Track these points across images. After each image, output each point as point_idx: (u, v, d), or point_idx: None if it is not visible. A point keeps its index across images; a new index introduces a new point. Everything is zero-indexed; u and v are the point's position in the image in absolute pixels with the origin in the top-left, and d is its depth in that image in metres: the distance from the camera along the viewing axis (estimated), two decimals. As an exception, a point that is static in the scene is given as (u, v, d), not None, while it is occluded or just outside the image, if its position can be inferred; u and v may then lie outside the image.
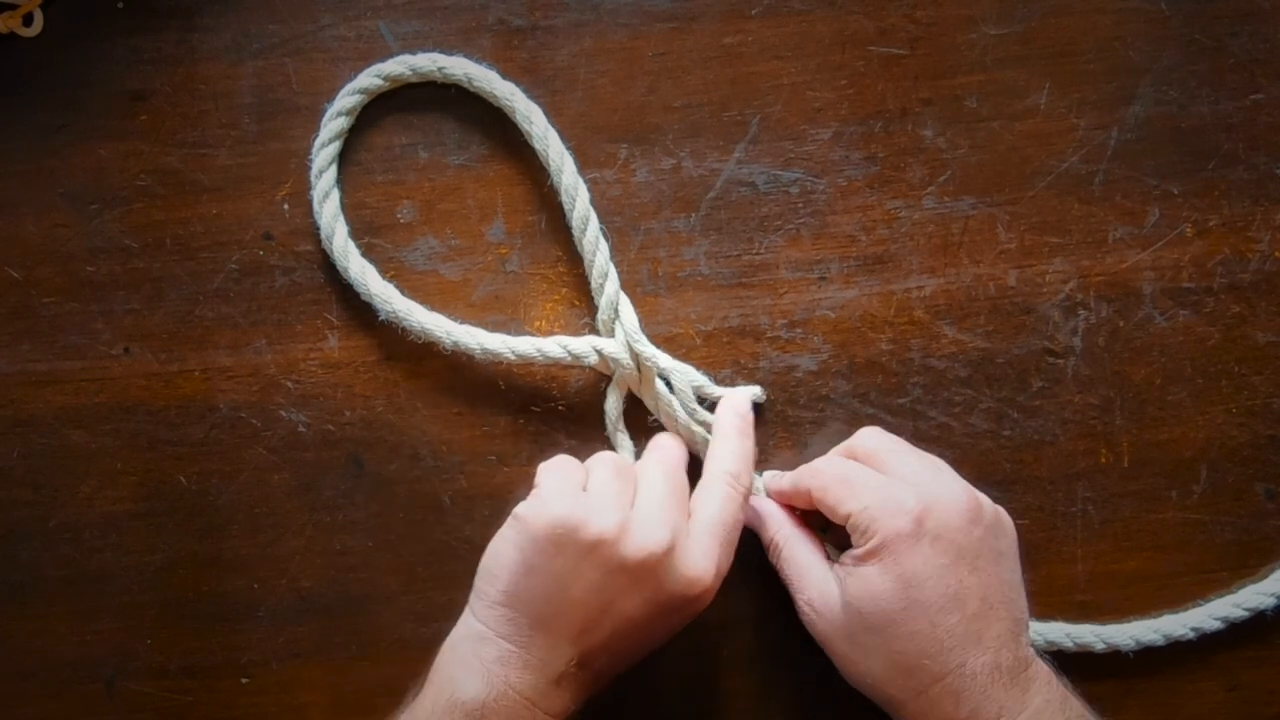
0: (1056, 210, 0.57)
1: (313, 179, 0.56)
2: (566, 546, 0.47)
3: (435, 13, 0.58)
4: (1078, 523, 0.56)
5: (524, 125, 0.56)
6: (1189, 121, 0.57)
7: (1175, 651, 0.55)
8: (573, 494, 0.49)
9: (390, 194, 0.57)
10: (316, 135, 0.56)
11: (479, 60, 0.57)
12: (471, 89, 0.56)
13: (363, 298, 0.56)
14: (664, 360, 0.55)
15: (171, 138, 0.57)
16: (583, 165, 0.57)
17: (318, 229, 0.56)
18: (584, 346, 0.54)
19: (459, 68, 0.56)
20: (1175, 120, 0.57)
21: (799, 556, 0.52)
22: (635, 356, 0.54)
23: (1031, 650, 0.49)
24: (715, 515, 0.50)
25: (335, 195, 0.56)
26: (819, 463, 0.53)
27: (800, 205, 0.57)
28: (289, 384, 0.57)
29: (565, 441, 0.57)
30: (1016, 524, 0.56)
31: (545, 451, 0.55)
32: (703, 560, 0.48)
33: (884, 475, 0.50)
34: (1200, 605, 0.56)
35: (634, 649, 0.50)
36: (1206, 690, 0.56)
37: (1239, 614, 0.55)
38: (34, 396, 0.57)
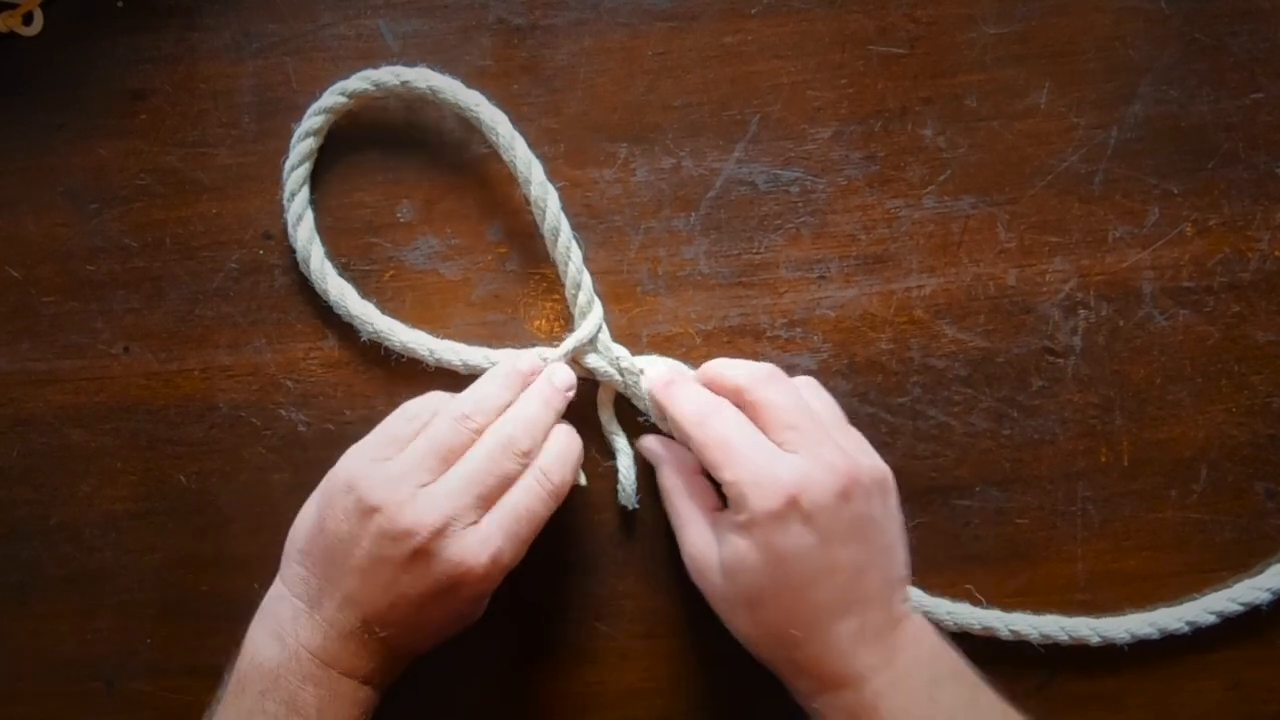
0: (1056, 209, 0.57)
1: (285, 202, 0.56)
2: (351, 512, 0.48)
3: (435, 11, 0.58)
4: (1077, 522, 0.56)
5: (490, 135, 0.55)
6: (1189, 121, 0.57)
7: (1174, 650, 0.56)
8: (373, 459, 0.49)
9: (390, 193, 0.57)
10: (286, 158, 0.56)
11: (478, 59, 0.57)
12: (436, 100, 0.56)
13: (344, 319, 0.56)
14: (635, 362, 0.55)
15: (171, 137, 0.57)
16: (582, 164, 0.57)
17: (293, 253, 0.56)
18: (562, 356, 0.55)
19: (422, 79, 0.55)
20: (1175, 119, 0.57)
21: (681, 510, 0.52)
22: (615, 361, 0.55)
23: (907, 606, 0.49)
24: (510, 505, 0.49)
25: (309, 217, 0.56)
26: (706, 411, 0.51)
27: (800, 204, 0.57)
28: (289, 383, 0.57)
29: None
30: (1016, 523, 0.56)
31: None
32: (477, 548, 0.47)
33: (765, 440, 0.49)
34: (1196, 599, 0.56)
35: (420, 624, 0.49)
36: (1206, 689, 0.56)
37: (1234, 609, 0.55)
38: (34, 395, 0.57)
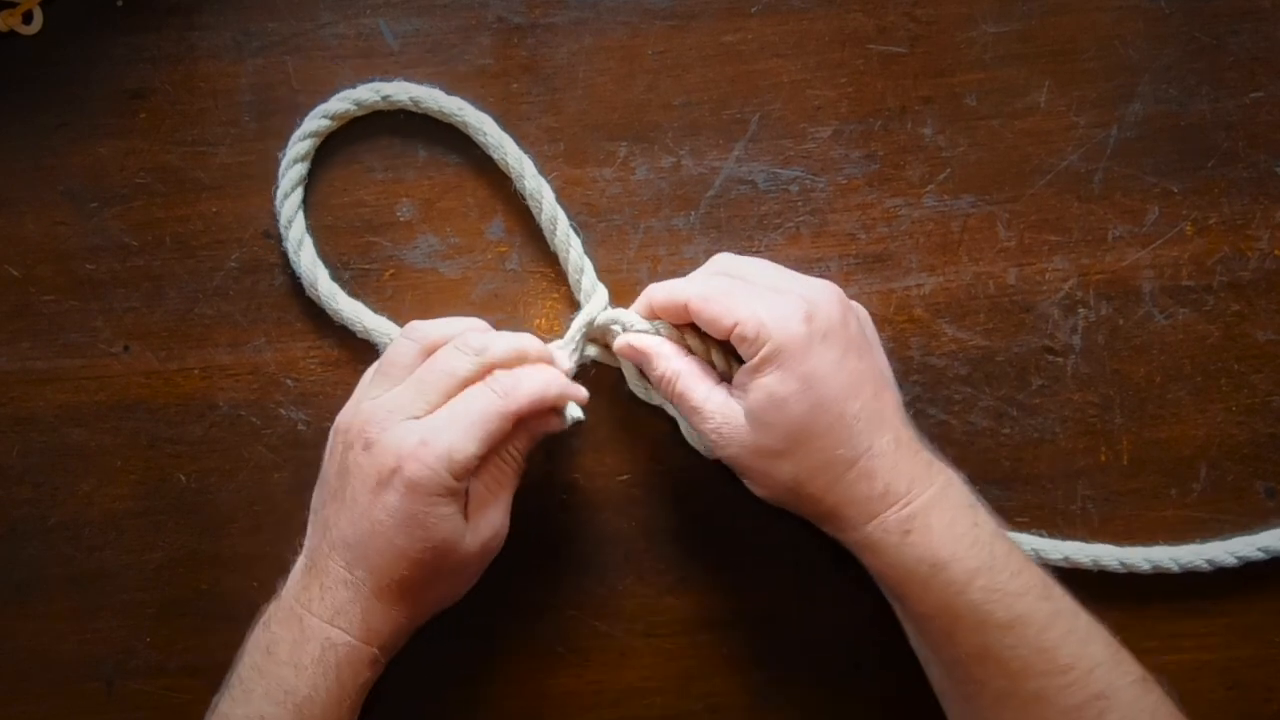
0: (1056, 208, 0.57)
1: (282, 229, 0.56)
2: (338, 442, 0.50)
3: (435, 10, 0.58)
4: (1077, 521, 0.56)
5: (478, 137, 0.56)
6: (1188, 119, 0.57)
7: (1176, 649, 0.56)
8: (359, 401, 0.51)
9: (390, 192, 0.58)
10: (276, 187, 0.56)
11: (478, 58, 0.57)
12: (419, 111, 0.56)
13: (336, 322, 0.56)
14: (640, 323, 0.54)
15: (171, 136, 0.57)
16: (582, 163, 0.57)
17: (298, 278, 0.56)
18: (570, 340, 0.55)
19: (403, 92, 0.56)
20: (1175, 118, 0.57)
21: (696, 387, 0.51)
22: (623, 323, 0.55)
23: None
24: (460, 403, 0.49)
25: (309, 243, 0.56)
26: (693, 281, 0.52)
27: (800, 203, 0.57)
28: (288, 382, 0.57)
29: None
30: (1016, 522, 0.56)
31: (545, 445, 0.56)
32: (423, 432, 0.48)
33: (756, 286, 0.50)
34: (1221, 540, 0.55)
35: (389, 550, 0.48)
36: (1206, 689, 0.56)
37: (1255, 554, 0.54)
38: (34, 395, 0.57)
